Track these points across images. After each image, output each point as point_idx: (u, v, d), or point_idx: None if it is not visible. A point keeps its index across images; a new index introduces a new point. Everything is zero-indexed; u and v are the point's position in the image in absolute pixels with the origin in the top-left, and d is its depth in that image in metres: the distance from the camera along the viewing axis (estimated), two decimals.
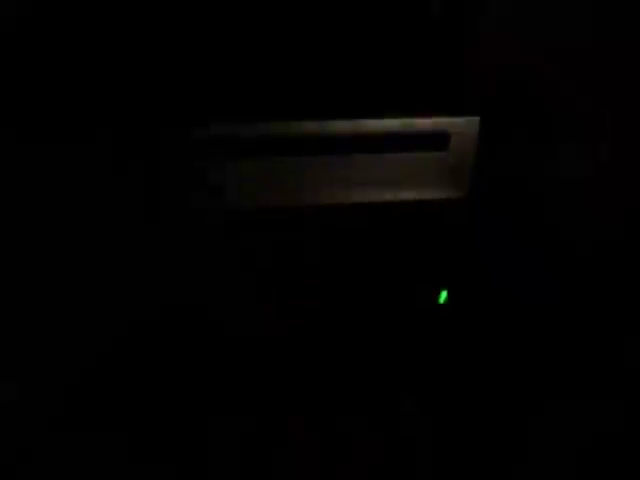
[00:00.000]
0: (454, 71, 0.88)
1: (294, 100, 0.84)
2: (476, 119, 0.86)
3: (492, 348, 1.00)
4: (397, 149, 0.87)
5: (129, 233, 0.84)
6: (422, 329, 0.99)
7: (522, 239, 0.98)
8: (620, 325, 1.00)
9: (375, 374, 0.97)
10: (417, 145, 0.87)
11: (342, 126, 0.83)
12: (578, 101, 0.92)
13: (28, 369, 0.86)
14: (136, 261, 0.85)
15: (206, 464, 0.86)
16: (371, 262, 0.93)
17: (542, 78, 0.90)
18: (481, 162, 0.92)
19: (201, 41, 0.81)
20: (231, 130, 0.81)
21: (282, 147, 0.83)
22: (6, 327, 0.84)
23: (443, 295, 0.97)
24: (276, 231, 0.88)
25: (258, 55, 0.83)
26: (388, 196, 0.89)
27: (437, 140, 0.87)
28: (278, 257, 0.90)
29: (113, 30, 0.78)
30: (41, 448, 0.84)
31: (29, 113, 0.78)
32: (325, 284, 0.93)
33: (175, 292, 0.88)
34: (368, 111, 0.85)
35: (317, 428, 0.91)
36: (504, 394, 0.97)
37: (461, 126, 0.87)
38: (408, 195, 0.89)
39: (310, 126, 0.83)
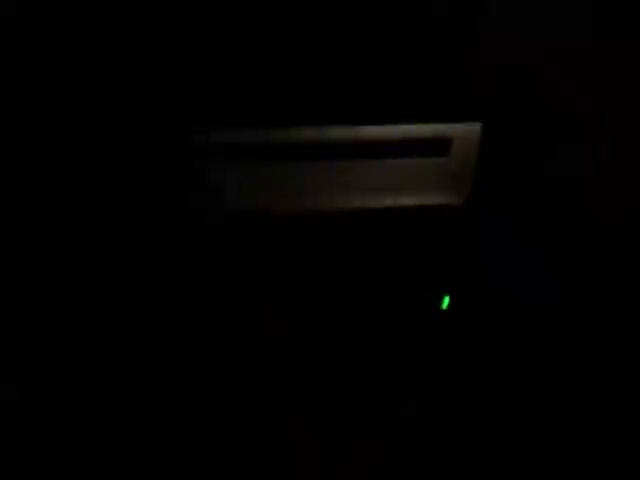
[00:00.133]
0: (454, 71, 0.88)
1: (294, 106, 0.84)
2: (477, 124, 0.86)
3: (492, 348, 1.00)
4: (399, 155, 0.87)
5: (129, 234, 0.84)
6: (422, 330, 0.99)
7: (522, 239, 0.98)
8: (620, 325, 1.00)
9: (375, 375, 0.97)
10: (419, 151, 0.87)
11: (342, 132, 0.84)
12: (578, 101, 0.92)
13: (28, 369, 0.86)
14: (136, 261, 0.85)
15: (206, 464, 0.86)
16: (371, 266, 0.93)
17: (542, 78, 0.90)
18: (481, 163, 0.92)
19: (203, 47, 0.81)
20: (232, 136, 0.81)
21: (283, 153, 0.83)
22: (6, 327, 0.84)
23: (445, 301, 0.97)
24: (277, 236, 0.88)
25: (259, 61, 0.83)
26: (390, 202, 0.89)
27: (438, 146, 0.87)
28: (279, 261, 0.90)
29: (114, 31, 0.78)
30: (41, 448, 0.84)
31: (29, 113, 0.78)
32: (326, 287, 0.93)
33: (175, 292, 0.88)
34: (369, 114, 0.85)
35: (317, 428, 0.91)
36: (504, 394, 0.97)
37: (462, 132, 0.87)
38: (410, 201, 0.90)
39: (310, 132, 0.83)
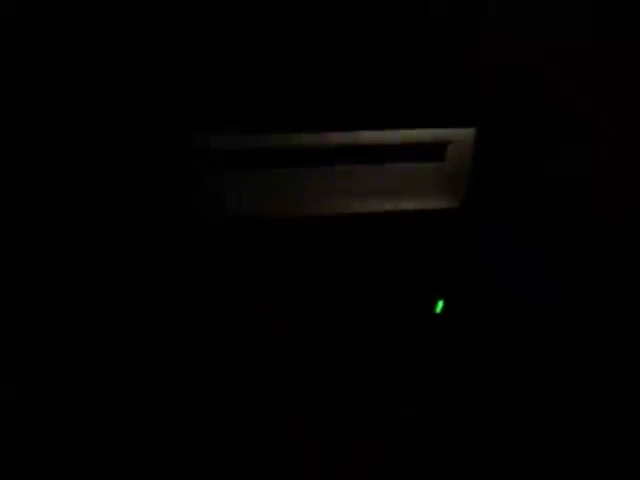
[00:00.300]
0: (454, 72, 0.88)
1: (293, 111, 0.85)
2: (472, 130, 0.87)
3: (492, 349, 1.00)
4: (393, 160, 0.87)
5: (130, 234, 0.84)
6: (422, 332, 0.99)
7: (522, 239, 0.98)
8: (620, 325, 1.00)
9: (375, 376, 0.97)
10: (413, 156, 0.88)
11: (340, 137, 0.84)
12: (578, 101, 0.92)
13: (28, 369, 0.86)
14: (136, 262, 0.85)
15: (206, 464, 0.86)
16: (371, 269, 0.93)
17: (542, 78, 0.90)
18: (481, 163, 0.92)
19: (204, 50, 0.81)
20: (232, 141, 0.82)
21: (281, 158, 0.84)
22: (6, 327, 0.84)
23: (439, 305, 0.97)
24: (277, 239, 0.88)
25: (259, 66, 0.83)
26: (384, 206, 0.89)
27: (433, 151, 0.88)
28: (279, 263, 0.90)
29: (115, 32, 0.78)
30: (41, 448, 0.84)
31: (29, 113, 0.78)
32: (326, 289, 0.93)
33: (175, 292, 0.88)
34: (369, 116, 0.85)
35: (317, 428, 0.91)
36: (504, 394, 0.97)
37: (457, 136, 0.87)
38: (405, 205, 0.90)
39: (307, 138, 0.84)
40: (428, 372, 0.98)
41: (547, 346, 1.00)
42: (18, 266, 0.82)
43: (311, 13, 0.82)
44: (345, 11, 0.83)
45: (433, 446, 0.91)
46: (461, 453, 0.91)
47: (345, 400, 0.94)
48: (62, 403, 0.87)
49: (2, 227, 0.80)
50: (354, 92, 0.86)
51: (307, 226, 0.88)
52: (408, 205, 0.90)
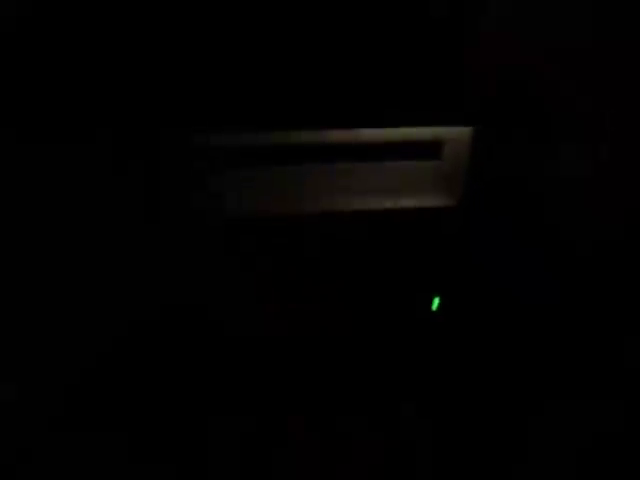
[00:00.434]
0: (454, 72, 0.88)
1: (292, 109, 0.85)
2: (468, 128, 0.87)
3: (492, 349, 1.00)
4: (391, 158, 0.87)
5: (130, 234, 0.84)
6: (422, 331, 0.99)
7: (522, 239, 0.98)
8: (620, 325, 1.00)
9: (375, 376, 0.97)
10: (410, 154, 0.88)
11: (340, 135, 0.84)
12: (578, 101, 0.92)
13: (28, 369, 0.86)
14: (136, 262, 0.85)
15: (206, 464, 0.86)
16: (371, 267, 0.93)
17: (542, 78, 0.90)
18: (480, 162, 0.92)
19: (204, 49, 0.81)
20: (232, 139, 0.82)
21: (281, 156, 0.85)
22: (6, 327, 0.84)
23: (435, 302, 0.97)
24: (276, 238, 0.88)
25: (259, 64, 0.83)
26: (384, 203, 0.90)
27: (430, 149, 0.88)
28: (279, 262, 0.90)
29: (115, 32, 0.78)
30: (41, 448, 0.84)
31: (29, 113, 0.78)
32: (326, 288, 0.93)
33: (175, 292, 0.88)
34: (369, 115, 0.86)
35: (317, 428, 0.91)
36: (504, 394, 0.97)
37: (453, 134, 0.87)
38: (405, 202, 0.90)
39: (307, 136, 0.84)
40: (428, 372, 0.98)
41: (547, 346, 1.00)
42: (18, 266, 0.82)
43: (311, 12, 0.82)
44: (345, 10, 0.83)
45: (433, 446, 0.91)
46: (461, 453, 0.91)
47: (345, 400, 0.94)
48: (62, 403, 0.87)
49: (2, 227, 0.80)
50: (356, 90, 0.86)
51: (306, 224, 0.88)
52: (408, 203, 0.90)
